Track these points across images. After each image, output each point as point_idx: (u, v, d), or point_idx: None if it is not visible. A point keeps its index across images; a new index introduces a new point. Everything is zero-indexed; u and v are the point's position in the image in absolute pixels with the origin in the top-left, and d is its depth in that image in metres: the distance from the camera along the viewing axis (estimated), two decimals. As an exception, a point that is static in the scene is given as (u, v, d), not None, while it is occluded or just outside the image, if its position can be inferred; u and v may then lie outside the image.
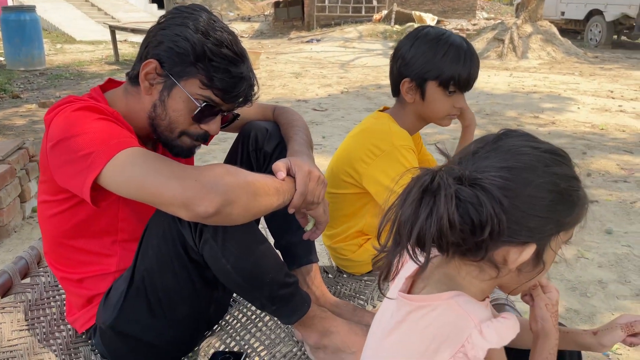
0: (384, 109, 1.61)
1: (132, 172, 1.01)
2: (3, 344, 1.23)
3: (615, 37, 12.52)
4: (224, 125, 1.28)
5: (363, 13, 16.28)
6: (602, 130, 5.27)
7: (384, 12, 15.59)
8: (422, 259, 0.74)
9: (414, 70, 1.45)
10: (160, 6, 17.16)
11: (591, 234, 2.99)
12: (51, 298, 1.43)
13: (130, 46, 11.62)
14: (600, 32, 12.28)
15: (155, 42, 1.16)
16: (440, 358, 0.74)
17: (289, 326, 1.35)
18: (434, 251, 0.78)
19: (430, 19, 14.83)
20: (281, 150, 1.36)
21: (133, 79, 1.20)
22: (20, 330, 1.28)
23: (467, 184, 0.71)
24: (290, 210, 1.16)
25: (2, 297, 1.34)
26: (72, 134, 1.04)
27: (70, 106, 1.10)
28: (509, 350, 0.82)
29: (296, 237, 1.37)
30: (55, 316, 1.39)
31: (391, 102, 1.60)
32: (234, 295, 1.50)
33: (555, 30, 10.99)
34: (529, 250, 0.73)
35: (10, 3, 13.29)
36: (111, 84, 1.29)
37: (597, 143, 4.80)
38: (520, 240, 0.73)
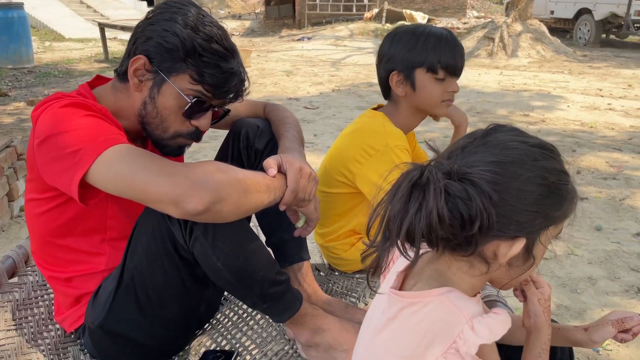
0: (378, 107, 1.61)
1: (121, 169, 0.99)
2: (-10, 344, 1.21)
3: (603, 35, 12.63)
4: (215, 121, 1.27)
5: (354, 11, 16.30)
6: (591, 128, 5.31)
7: (375, 10, 15.62)
8: (412, 254, 0.74)
9: (399, 62, 1.45)
10: (150, 4, 17.06)
11: (581, 231, 3.02)
12: (39, 297, 1.42)
13: (119, 44, 11.53)
14: (589, 30, 12.38)
15: (144, 37, 1.14)
16: (432, 354, 0.74)
17: (281, 324, 1.35)
18: (425, 247, 0.78)
19: (421, 17, 14.88)
20: (272, 147, 1.35)
21: (121, 75, 1.18)
22: (7, 330, 1.26)
23: (456, 178, 0.71)
24: (282, 208, 1.15)
25: (-11, 297, 1.32)
26: (59, 130, 1.03)
27: (57, 102, 1.08)
28: (500, 346, 0.82)
29: (287, 235, 1.36)
30: (43, 316, 1.37)
31: (383, 99, 1.60)
32: (226, 293, 1.49)
33: (544, 29, 11.06)
34: (519, 245, 0.73)
35: (-3, 0, 13.14)
36: (99, 80, 1.28)
37: (586, 141, 4.84)
38: (509, 235, 0.73)
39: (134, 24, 1.48)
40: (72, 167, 1.01)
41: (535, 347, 0.90)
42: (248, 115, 1.46)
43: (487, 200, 0.70)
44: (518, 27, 10.65)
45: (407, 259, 0.76)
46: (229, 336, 1.37)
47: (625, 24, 11.57)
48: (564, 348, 1.08)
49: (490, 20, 12.23)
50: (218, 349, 1.32)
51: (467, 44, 10.59)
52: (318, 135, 4.96)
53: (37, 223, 1.21)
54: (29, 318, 1.34)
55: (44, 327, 1.34)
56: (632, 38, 13.12)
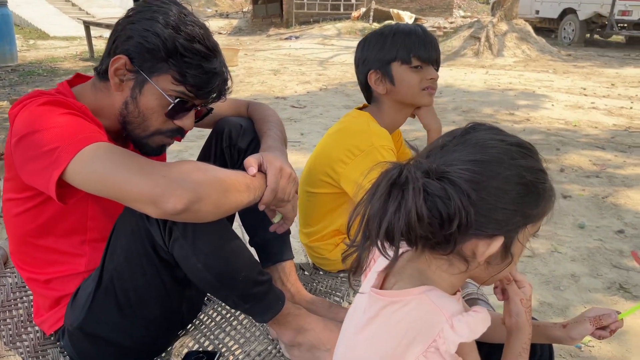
0: (364, 107, 1.61)
1: (98, 167, 0.97)
2: (-33, 348, 1.19)
3: (588, 35, 12.77)
4: (197, 120, 1.26)
5: (342, 10, 16.31)
6: (575, 126, 5.37)
7: (363, 9, 15.65)
8: (391, 253, 0.74)
9: (374, 62, 1.50)
10: (136, 2, 16.91)
11: (564, 229, 3.05)
12: (18, 299, 1.39)
13: (105, 42, 11.36)
14: (573, 30, 12.51)
15: (124, 36, 1.13)
16: (413, 353, 0.74)
17: (264, 324, 1.34)
18: (405, 246, 0.78)
19: (408, 17, 14.93)
20: (255, 146, 1.35)
21: (102, 74, 1.17)
22: (-15, 333, 1.25)
23: (435, 177, 0.71)
24: (261, 207, 1.14)
25: (-34, 299, 1.30)
26: (36, 128, 1.01)
27: (35, 100, 1.06)
28: (481, 344, 0.82)
29: (270, 234, 1.35)
30: (22, 318, 1.35)
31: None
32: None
33: (530, 28, 11.16)
34: (497, 243, 0.74)
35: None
36: (79, 79, 1.26)
37: (570, 139, 4.89)
38: (488, 233, 0.73)
39: (119, 22, 1.45)
40: (50, 165, 0.99)
41: (516, 346, 0.90)
42: (231, 114, 1.45)
43: (465, 199, 0.70)
44: (504, 26, 10.73)
45: (386, 258, 0.76)
46: (211, 337, 1.36)
47: (609, 23, 11.71)
48: (543, 345, 1.09)
49: (476, 19, 12.31)
50: (201, 349, 1.31)
51: (454, 43, 10.65)
52: (305, 134, 4.95)
53: (15, 223, 1.19)
54: (8, 320, 1.32)
55: (22, 330, 1.32)
56: (615, 38, 13.29)
